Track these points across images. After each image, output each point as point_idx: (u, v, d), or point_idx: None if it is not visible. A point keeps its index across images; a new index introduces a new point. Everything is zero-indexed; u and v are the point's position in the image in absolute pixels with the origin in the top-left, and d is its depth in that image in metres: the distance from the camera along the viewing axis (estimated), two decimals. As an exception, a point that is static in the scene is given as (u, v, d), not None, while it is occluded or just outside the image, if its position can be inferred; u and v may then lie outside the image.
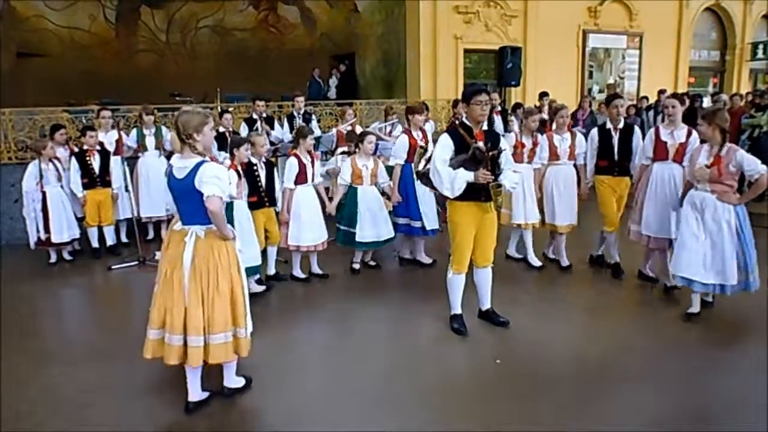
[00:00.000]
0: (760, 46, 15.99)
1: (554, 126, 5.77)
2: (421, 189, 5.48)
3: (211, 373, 3.42)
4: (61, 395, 3.55)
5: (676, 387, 3.51)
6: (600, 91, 14.10)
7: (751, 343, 4.14)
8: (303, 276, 5.65)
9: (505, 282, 5.04)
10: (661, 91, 11.73)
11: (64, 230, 6.29)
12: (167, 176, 3.22)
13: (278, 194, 5.41)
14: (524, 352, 4.03)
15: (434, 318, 4.56)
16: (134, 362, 3.91)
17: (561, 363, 3.83)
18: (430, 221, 5.77)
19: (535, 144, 5.68)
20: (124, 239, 7.24)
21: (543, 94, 10.46)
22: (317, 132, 8.32)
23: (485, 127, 4.15)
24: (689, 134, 4.93)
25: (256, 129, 7.87)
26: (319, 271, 5.74)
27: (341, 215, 5.72)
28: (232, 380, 3.49)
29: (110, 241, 6.84)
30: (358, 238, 5.63)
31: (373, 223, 5.65)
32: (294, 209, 5.36)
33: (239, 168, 4.88)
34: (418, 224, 5.76)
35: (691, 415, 3.22)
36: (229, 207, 4.60)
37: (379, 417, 3.24)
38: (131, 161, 7.29)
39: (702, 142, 4.52)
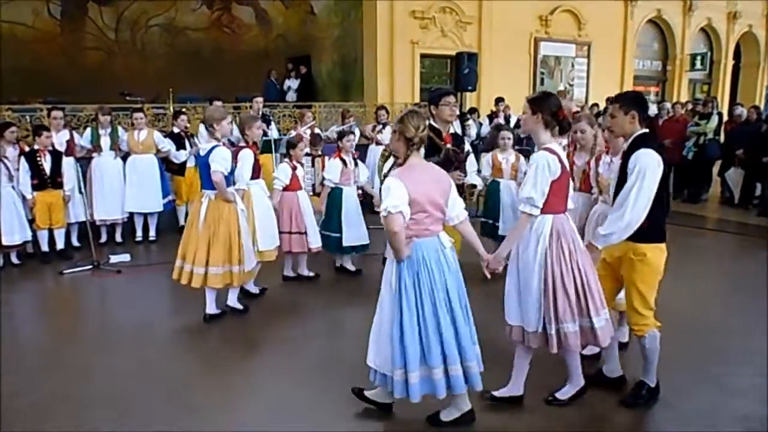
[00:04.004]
0: (698, 58, 16.86)
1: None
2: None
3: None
4: (18, 406, 3.39)
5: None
6: (551, 98, 14.50)
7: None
8: None
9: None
10: (609, 99, 12.15)
11: (15, 232, 6.02)
12: (196, 155, 4.74)
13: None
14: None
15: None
16: (92, 371, 3.85)
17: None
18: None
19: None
20: (75, 243, 6.97)
21: (499, 100, 10.71)
22: (275, 134, 8.26)
23: (452, 130, 4.24)
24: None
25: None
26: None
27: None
28: (233, 302, 4.74)
29: (61, 244, 6.57)
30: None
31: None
32: None
33: (344, 157, 5.51)
34: None
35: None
36: (338, 192, 5.48)
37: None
38: (84, 162, 7.03)
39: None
